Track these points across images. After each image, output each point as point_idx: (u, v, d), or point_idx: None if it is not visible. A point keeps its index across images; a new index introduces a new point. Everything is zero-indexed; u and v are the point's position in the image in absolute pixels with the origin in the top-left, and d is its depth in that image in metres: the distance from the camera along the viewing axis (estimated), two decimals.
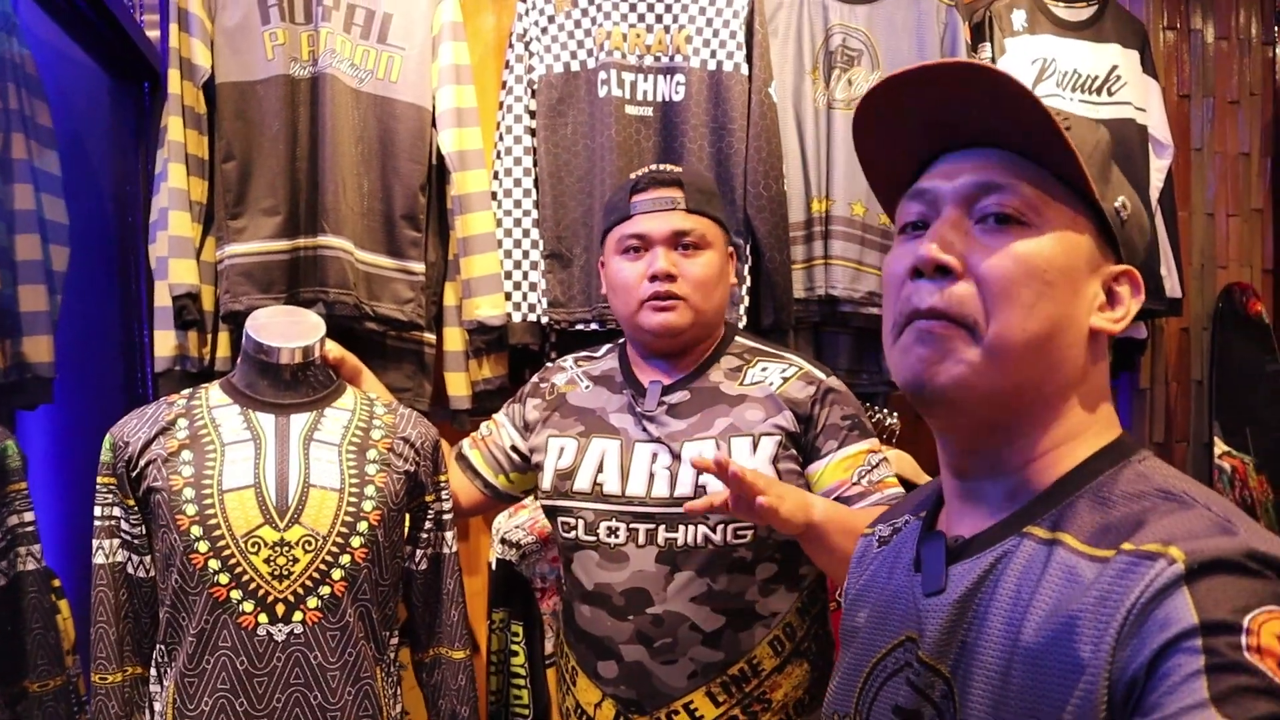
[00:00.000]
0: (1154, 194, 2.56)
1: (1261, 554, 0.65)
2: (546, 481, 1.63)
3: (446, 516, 1.64)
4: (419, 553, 1.62)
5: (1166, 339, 2.83)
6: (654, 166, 1.63)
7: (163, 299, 2.02)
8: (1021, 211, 0.77)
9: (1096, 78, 2.52)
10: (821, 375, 1.59)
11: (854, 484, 1.52)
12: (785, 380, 1.57)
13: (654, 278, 1.54)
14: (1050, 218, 0.77)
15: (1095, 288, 0.80)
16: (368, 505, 1.50)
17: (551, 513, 1.64)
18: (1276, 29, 3.01)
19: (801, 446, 1.55)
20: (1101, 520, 0.74)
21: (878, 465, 1.55)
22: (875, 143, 0.85)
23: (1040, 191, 0.78)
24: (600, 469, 1.57)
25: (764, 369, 1.60)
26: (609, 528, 1.55)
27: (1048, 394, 0.79)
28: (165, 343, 2.02)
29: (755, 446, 1.52)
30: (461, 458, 1.77)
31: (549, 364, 1.81)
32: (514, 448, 1.72)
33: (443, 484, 1.63)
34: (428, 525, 1.62)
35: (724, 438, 1.53)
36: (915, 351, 0.78)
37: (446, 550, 1.63)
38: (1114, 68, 2.53)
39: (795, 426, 1.54)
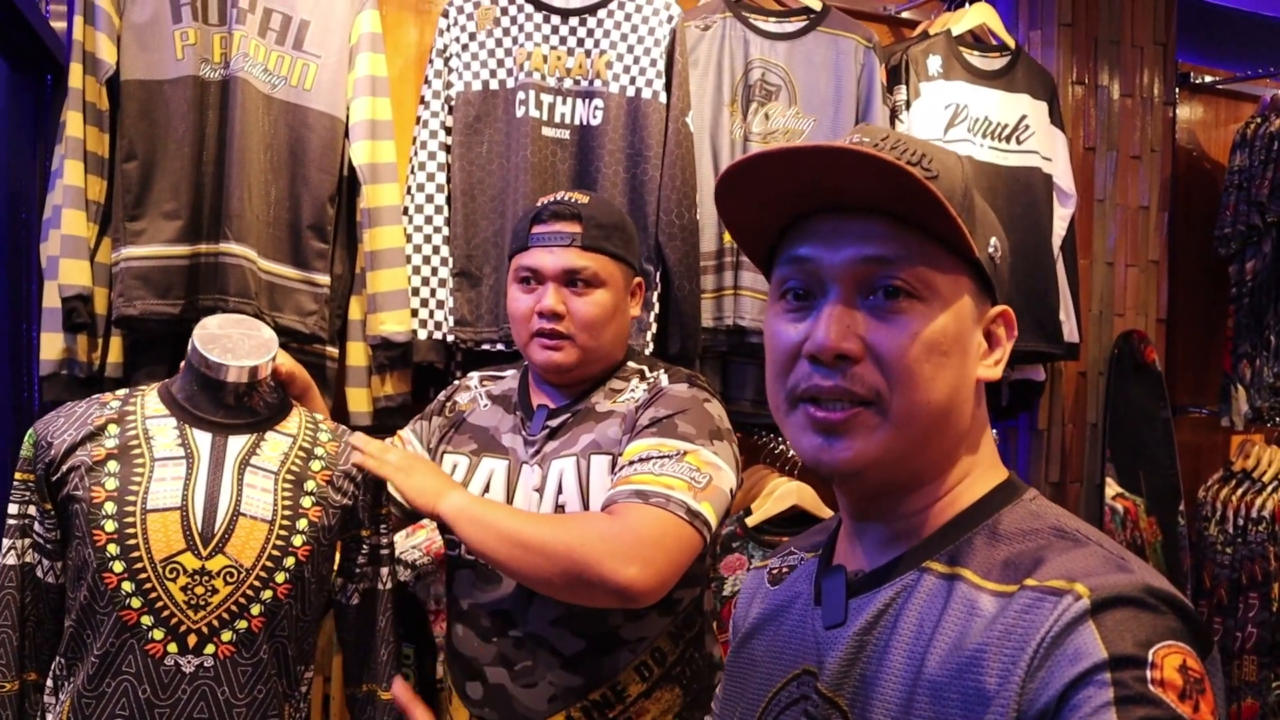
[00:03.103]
0: (1056, 241, 2.64)
1: (1158, 590, 0.69)
2: None
3: (384, 552, 1.57)
4: (351, 587, 1.55)
5: (1064, 382, 2.91)
6: (558, 196, 1.59)
7: (52, 300, 1.95)
8: (912, 286, 0.76)
9: (1006, 126, 2.59)
10: (664, 382, 1.56)
11: (615, 473, 1.47)
12: (640, 394, 1.55)
13: (541, 314, 1.52)
14: (938, 287, 0.77)
15: (979, 339, 0.81)
16: (298, 540, 1.43)
17: (443, 528, 1.62)
18: (1177, 90, 3.14)
19: None
20: (998, 556, 0.76)
21: (660, 461, 1.41)
22: (741, 206, 0.83)
23: (926, 261, 0.77)
24: (487, 489, 1.56)
25: (634, 385, 1.58)
26: None
27: (946, 449, 0.81)
28: (52, 346, 1.95)
29: (614, 465, 1.49)
30: None
31: (457, 380, 1.79)
32: None
33: (383, 517, 1.57)
34: (361, 560, 1.55)
35: (585, 455, 1.51)
36: (813, 438, 0.79)
37: (381, 586, 1.56)
38: (1023, 117, 2.61)
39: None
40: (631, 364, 1.64)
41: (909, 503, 0.82)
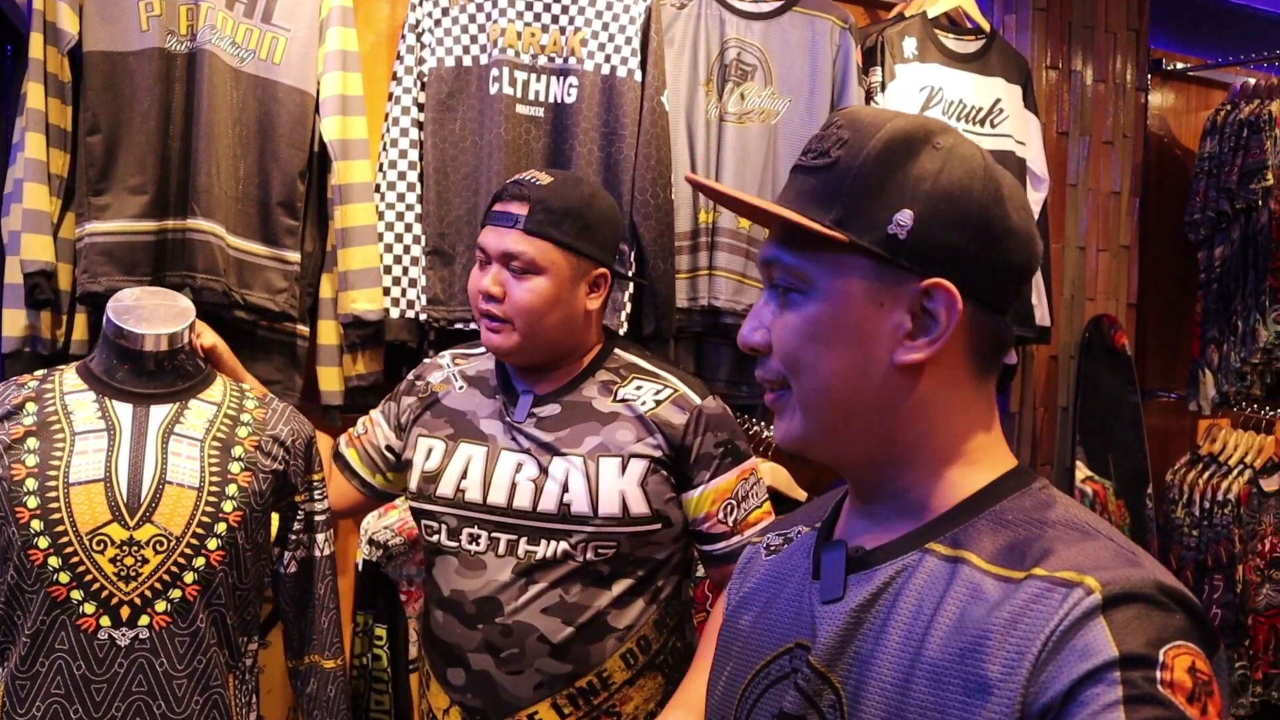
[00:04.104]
0: None
1: (1168, 587, 0.69)
2: (413, 483, 1.60)
3: (320, 518, 1.56)
4: (288, 555, 1.55)
5: (1035, 366, 2.93)
6: (521, 176, 1.55)
7: (14, 276, 1.91)
8: (790, 281, 0.82)
9: (980, 109, 2.60)
10: (696, 399, 1.55)
11: (719, 520, 1.54)
12: (659, 403, 1.54)
13: (482, 294, 1.51)
14: (813, 278, 0.80)
15: (894, 320, 0.78)
16: (228, 506, 1.42)
17: (417, 515, 1.61)
18: (1150, 77, 3.16)
19: (677, 472, 1.54)
20: (1004, 541, 0.76)
21: (748, 494, 1.56)
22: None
23: (803, 255, 0.81)
24: (464, 475, 1.54)
25: (638, 387, 1.56)
26: (471, 534, 1.53)
27: (883, 434, 0.81)
28: (15, 323, 1.91)
29: (624, 467, 1.50)
30: (338, 456, 1.72)
31: (426, 360, 1.77)
32: (389, 447, 1.68)
33: (316, 483, 1.56)
34: (297, 526, 1.55)
35: (593, 457, 1.50)
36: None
37: (318, 553, 1.56)
38: (997, 101, 2.61)
39: (668, 451, 1.52)
40: (621, 354, 1.62)
41: (897, 484, 0.82)
